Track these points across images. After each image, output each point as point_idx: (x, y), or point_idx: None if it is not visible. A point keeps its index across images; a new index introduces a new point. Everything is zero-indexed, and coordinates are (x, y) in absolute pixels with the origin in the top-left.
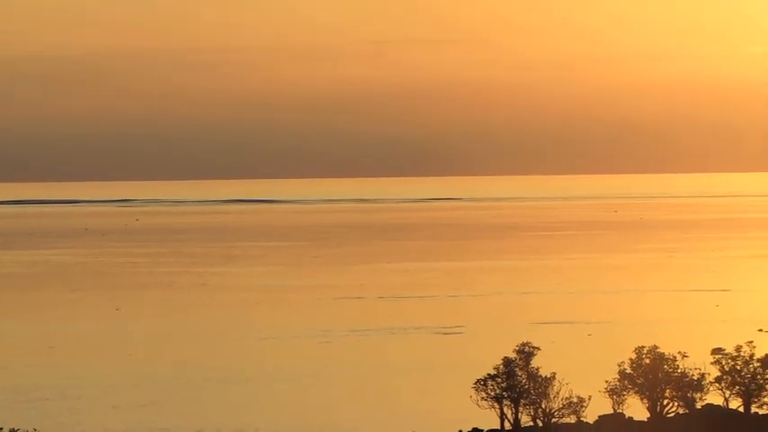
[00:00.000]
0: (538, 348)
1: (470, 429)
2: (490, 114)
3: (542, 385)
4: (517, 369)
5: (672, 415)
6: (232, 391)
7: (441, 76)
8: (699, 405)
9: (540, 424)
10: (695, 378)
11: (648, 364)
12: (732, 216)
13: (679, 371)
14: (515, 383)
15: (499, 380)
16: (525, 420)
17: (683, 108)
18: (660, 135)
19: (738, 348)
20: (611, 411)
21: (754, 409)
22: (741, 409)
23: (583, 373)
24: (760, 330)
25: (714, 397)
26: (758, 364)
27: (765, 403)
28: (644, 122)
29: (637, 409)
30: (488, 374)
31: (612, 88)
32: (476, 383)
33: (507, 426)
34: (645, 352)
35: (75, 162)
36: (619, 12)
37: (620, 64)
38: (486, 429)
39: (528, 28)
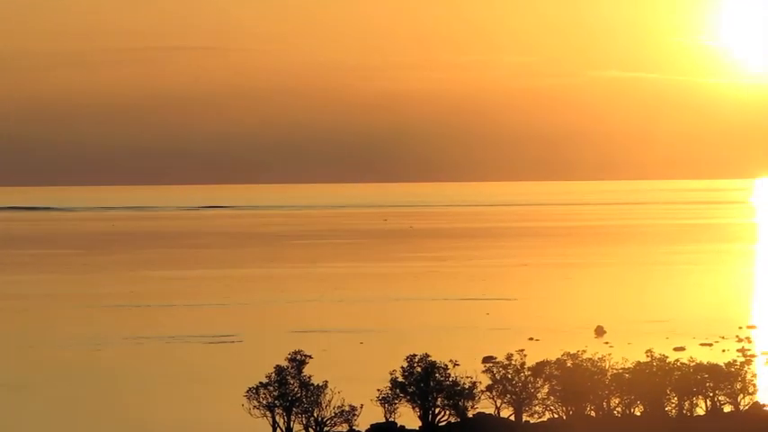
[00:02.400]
0: (310, 356)
1: None
2: (257, 121)
3: (314, 393)
4: (289, 377)
5: (443, 424)
6: None
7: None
8: (470, 414)
9: None
10: (467, 386)
11: (420, 373)
12: (503, 225)
13: (450, 379)
14: (287, 392)
15: (271, 388)
16: (297, 429)
17: (446, 116)
18: (428, 143)
19: (509, 357)
20: (384, 420)
21: (525, 417)
22: (512, 418)
23: (355, 382)
24: (531, 339)
25: (486, 405)
26: (529, 373)
27: (536, 412)
28: (411, 131)
29: (409, 417)
30: (260, 383)
31: (374, 95)
32: (248, 392)
33: None
34: (416, 360)
35: None
36: (375, 20)
37: (379, 72)
38: None
39: (269, 34)
